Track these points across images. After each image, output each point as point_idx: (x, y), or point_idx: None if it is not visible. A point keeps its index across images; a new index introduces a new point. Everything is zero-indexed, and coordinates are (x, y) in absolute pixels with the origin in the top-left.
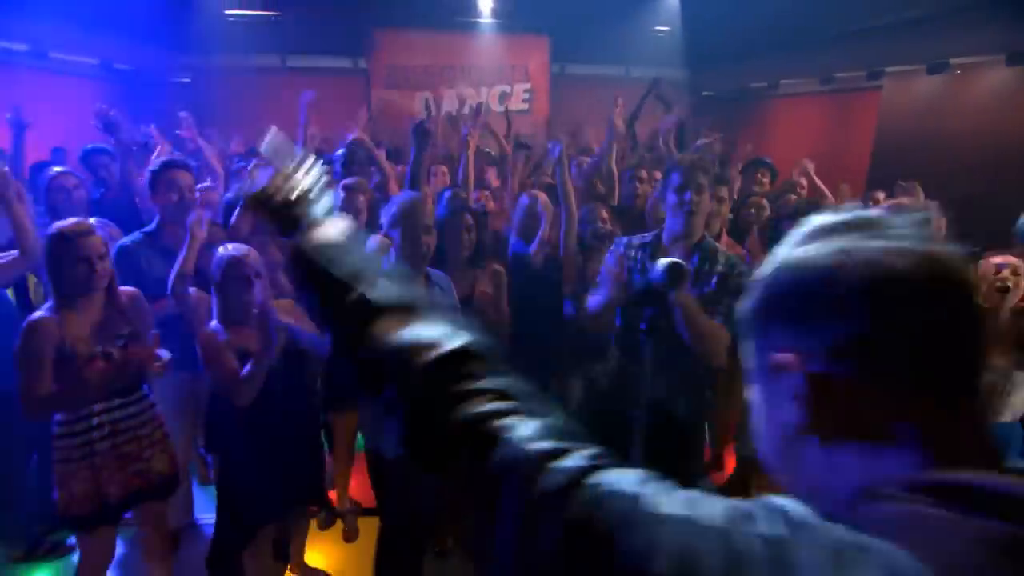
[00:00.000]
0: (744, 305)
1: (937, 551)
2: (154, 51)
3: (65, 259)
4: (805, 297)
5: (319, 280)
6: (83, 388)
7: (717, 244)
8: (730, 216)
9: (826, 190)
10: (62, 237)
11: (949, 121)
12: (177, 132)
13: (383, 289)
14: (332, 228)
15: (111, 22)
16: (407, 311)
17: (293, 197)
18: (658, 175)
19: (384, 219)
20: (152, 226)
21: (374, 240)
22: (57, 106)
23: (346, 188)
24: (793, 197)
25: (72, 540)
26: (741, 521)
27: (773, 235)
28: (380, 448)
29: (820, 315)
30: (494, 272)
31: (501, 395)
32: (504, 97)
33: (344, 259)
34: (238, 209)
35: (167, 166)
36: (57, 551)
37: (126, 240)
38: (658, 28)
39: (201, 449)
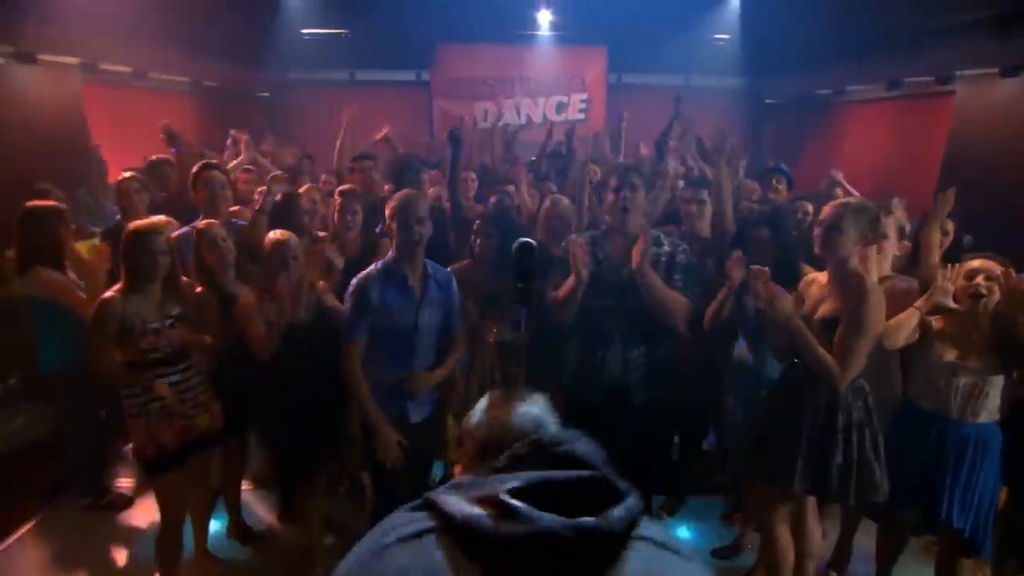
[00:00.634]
0: None
1: None
2: (238, 69)
3: (135, 252)
4: None
5: None
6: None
7: (659, 232)
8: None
9: (849, 188)
10: (136, 233)
11: None
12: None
13: None
14: None
15: (201, 44)
16: None
17: None
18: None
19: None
20: (198, 221)
21: None
22: (155, 119)
23: (342, 194)
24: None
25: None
26: None
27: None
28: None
29: None
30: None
31: None
32: (561, 107)
33: None
34: None
35: (204, 167)
36: (120, 501)
37: (180, 232)
38: (718, 36)
39: None
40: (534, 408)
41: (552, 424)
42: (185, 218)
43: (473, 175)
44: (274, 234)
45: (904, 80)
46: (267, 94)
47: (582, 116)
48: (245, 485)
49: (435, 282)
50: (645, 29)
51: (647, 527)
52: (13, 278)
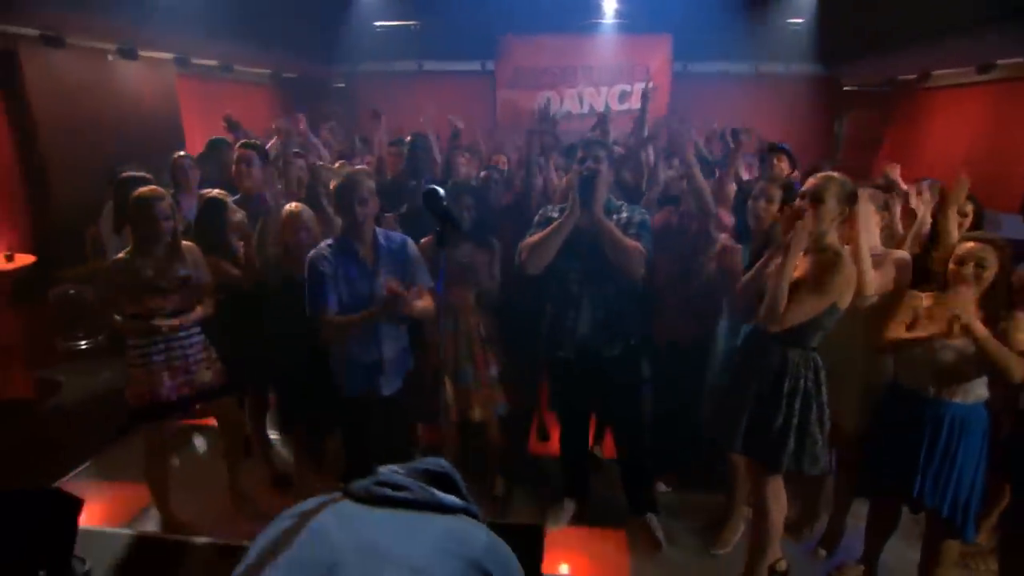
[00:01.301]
0: None
1: None
2: (315, 61)
3: (140, 216)
4: None
5: None
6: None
7: (619, 202)
8: None
9: (903, 185)
10: (138, 200)
11: None
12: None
13: None
14: None
15: (282, 38)
16: None
17: None
18: None
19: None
20: (238, 195)
21: None
22: (240, 108)
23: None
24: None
25: None
26: None
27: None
28: None
29: None
30: (489, 244)
31: None
32: (624, 96)
33: None
34: None
35: (242, 147)
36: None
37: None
38: (792, 20)
39: None
40: None
41: None
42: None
43: (504, 157)
44: (288, 206)
45: (997, 63)
46: (342, 84)
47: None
48: (274, 435)
49: (387, 250)
50: (712, 16)
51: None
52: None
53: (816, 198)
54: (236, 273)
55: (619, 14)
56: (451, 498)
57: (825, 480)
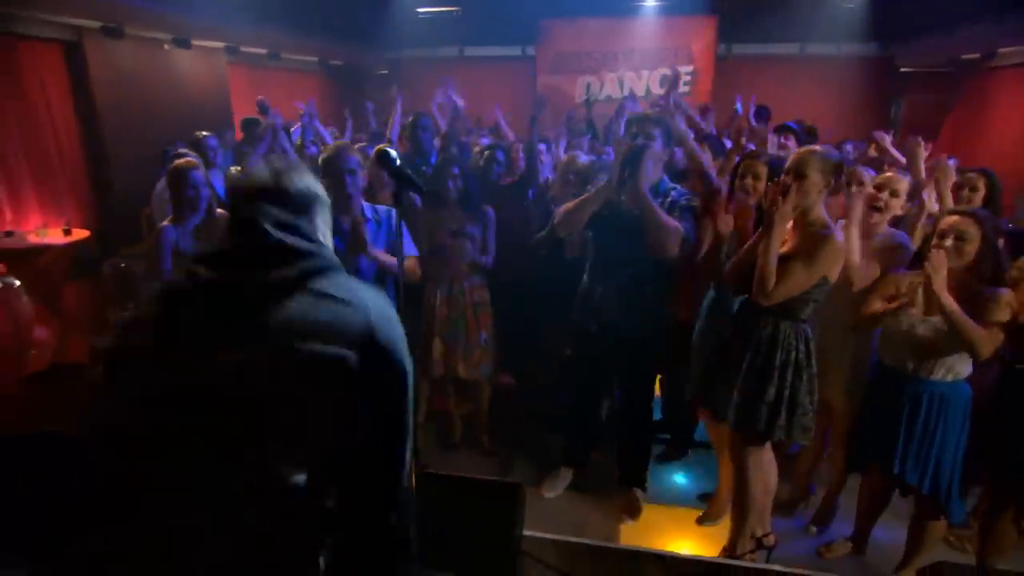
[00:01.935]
0: None
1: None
2: (360, 48)
3: (178, 186)
4: None
5: None
6: None
7: (671, 183)
8: None
9: (899, 156)
10: (176, 171)
11: None
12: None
13: None
14: None
15: (327, 26)
16: None
17: None
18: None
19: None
20: None
21: None
22: (289, 94)
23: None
24: None
25: None
26: None
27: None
28: None
29: None
30: (480, 214)
31: None
32: (665, 80)
33: None
34: None
35: (246, 123)
36: None
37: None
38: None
39: None
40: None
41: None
42: None
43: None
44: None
45: None
46: (385, 71)
47: (687, 89)
48: None
49: (374, 222)
50: None
51: (323, 282)
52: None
53: (799, 173)
54: None
55: None
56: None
57: (819, 457)
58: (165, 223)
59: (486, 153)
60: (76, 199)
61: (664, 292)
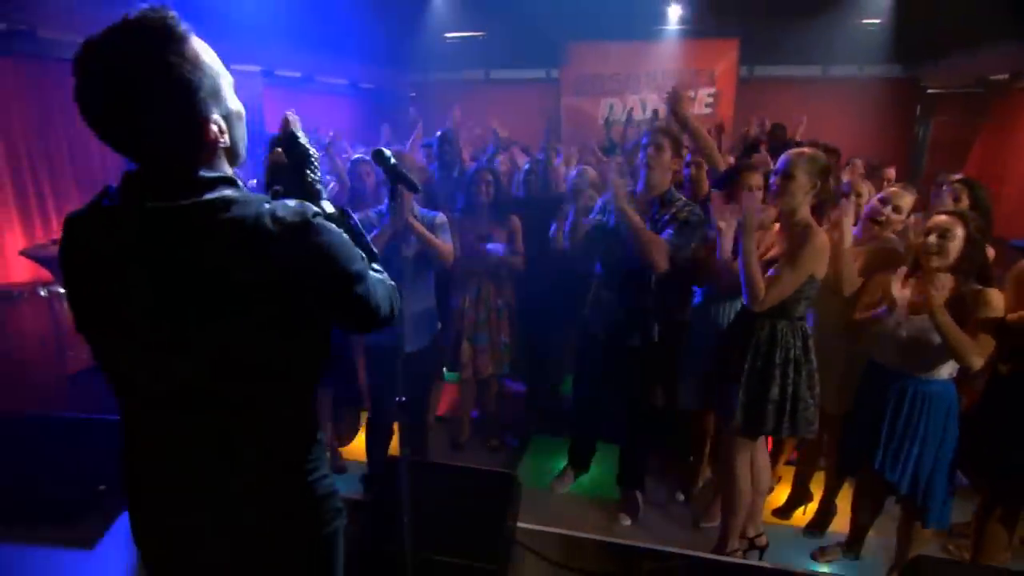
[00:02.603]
0: None
1: None
2: (389, 72)
3: None
4: None
5: None
6: None
7: (679, 194)
8: None
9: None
10: None
11: None
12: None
13: None
14: None
15: (358, 50)
16: None
17: None
18: None
19: None
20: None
21: None
22: (321, 116)
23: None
24: None
25: None
26: None
27: None
28: None
29: None
30: (506, 220)
31: None
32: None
33: None
34: None
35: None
36: None
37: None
38: (867, 21)
39: None
40: None
41: None
42: None
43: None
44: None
45: None
46: (414, 94)
47: (708, 111)
48: None
49: (419, 219)
50: (781, 19)
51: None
52: None
53: (786, 174)
54: None
55: (684, 19)
56: None
57: (816, 462)
58: None
59: (503, 167)
60: None
61: (668, 301)
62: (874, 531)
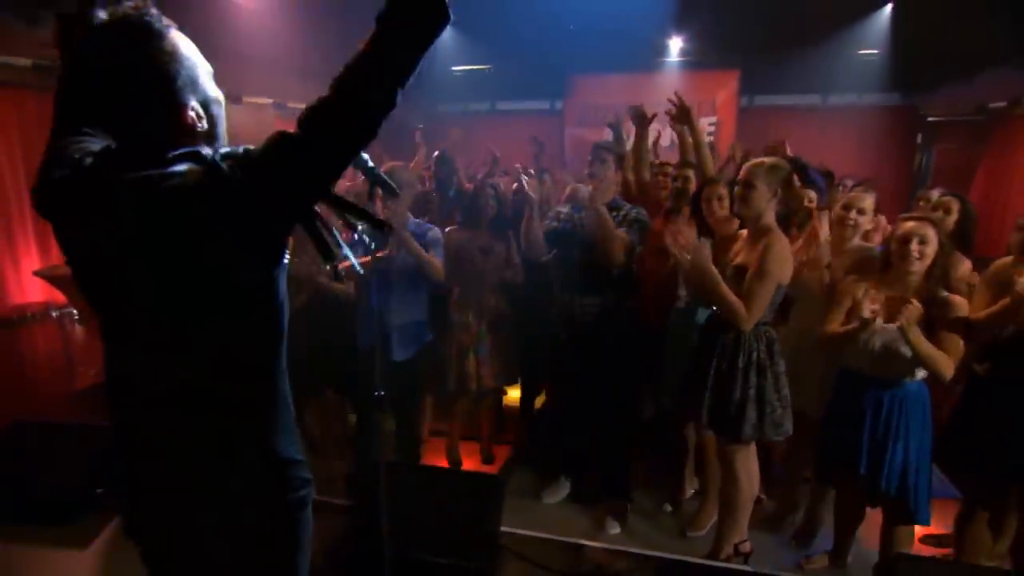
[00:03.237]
0: None
1: None
2: (399, 104)
3: None
4: None
5: None
6: None
7: (624, 201)
8: None
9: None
10: None
11: None
12: None
13: None
14: None
15: None
16: None
17: None
18: None
19: None
20: None
21: None
22: None
23: None
24: None
25: None
26: None
27: None
28: None
29: None
30: (504, 235)
31: None
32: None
33: None
34: None
35: None
36: None
37: None
38: (865, 51)
39: None
40: None
41: None
42: None
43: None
44: None
45: None
46: (422, 126)
47: (710, 139)
48: None
49: (412, 233)
50: (781, 50)
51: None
52: None
53: (747, 184)
54: None
55: (685, 52)
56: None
57: (803, 471)
58: None
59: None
60: None
61: (626, 301)
62: (863, 540)
